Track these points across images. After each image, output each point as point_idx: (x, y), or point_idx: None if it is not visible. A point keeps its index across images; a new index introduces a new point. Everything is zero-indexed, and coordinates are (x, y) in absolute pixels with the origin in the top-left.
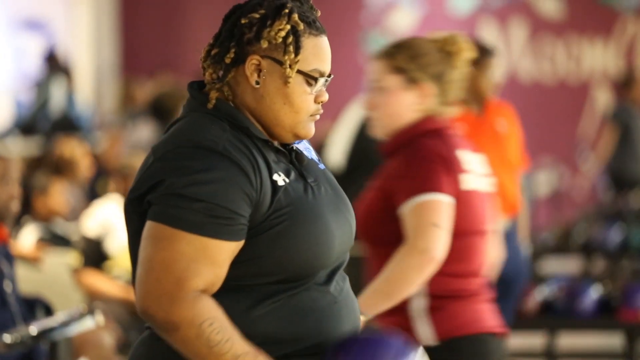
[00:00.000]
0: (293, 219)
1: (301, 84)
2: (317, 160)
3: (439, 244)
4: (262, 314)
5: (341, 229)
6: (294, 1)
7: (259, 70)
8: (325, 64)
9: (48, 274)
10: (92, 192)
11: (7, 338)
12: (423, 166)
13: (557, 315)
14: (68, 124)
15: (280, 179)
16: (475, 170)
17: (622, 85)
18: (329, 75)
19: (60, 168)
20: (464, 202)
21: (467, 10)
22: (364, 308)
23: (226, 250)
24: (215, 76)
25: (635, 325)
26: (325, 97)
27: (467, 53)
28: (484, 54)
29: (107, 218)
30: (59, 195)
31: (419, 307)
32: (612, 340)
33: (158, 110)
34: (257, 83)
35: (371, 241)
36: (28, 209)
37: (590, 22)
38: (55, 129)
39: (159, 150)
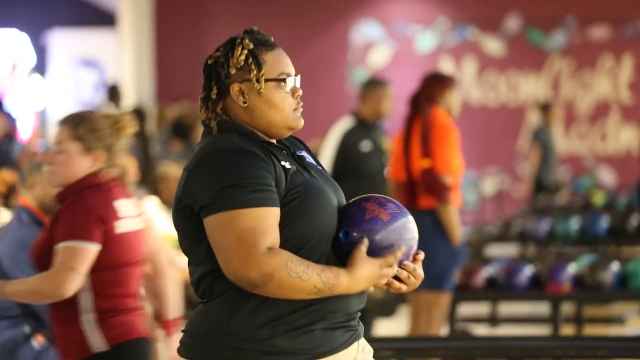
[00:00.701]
0: (305, 196)
1: (276, 89)
2: (315, 163)
3: (70, 286)
4: None
5: (335, 205)
6: (244, 33)
7: (242, 92)
8: (287, 67)
9: None
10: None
11: None
12: (78, 216)
13: (499, 288)
14: None
15: (287, 164)
16: (129, 215)
17: (541, 110)
18: (296, 75)
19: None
20: (118, 243)
21: (429, 49)
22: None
23: (274, 214)
24: (209, 114)
25: (559, 296)
26: (300, 91)
27: (131, 129)
28: (455, 82)
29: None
30: None
31: (89, 320)
32: (541, 308)
33: (178, 127)
34: (245, 102)
35: (41, 270)
36: None
37: (525, 60)
38: None
39: (189, 166)
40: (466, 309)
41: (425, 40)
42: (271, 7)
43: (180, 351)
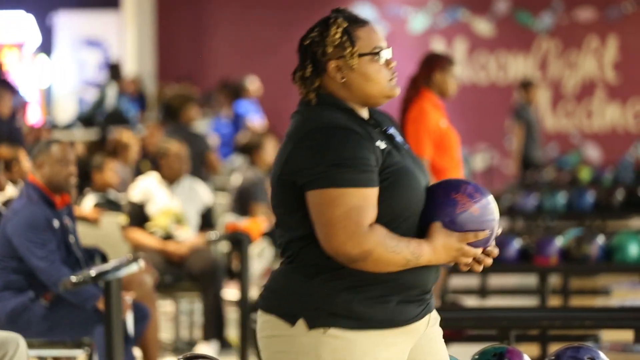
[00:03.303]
0: (396, 176)
1: (371, 63)
2: (403, 142)
3: None
4: None
5: (425, 186)
6: (334, 12)
7: (339, 69)
8: (379, 41)
9: (103, 230)
10: (137, 170)
11: (73, 278)
12: None
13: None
14: (119, 118)
15: (382, 144)
16: None
17: (522, 88)
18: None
19: (115, 151)
20: None
21: (421, 30)
22: None
23: (375, 194)
24: (306, 89)
25: (546, 269)
26: (394, 62)
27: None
28: (448, 62)
29: (148, 189)
30: (112, 171)
31: None
32: (529, 280)
33: (168, 108)
34: (343, 78)
35: None
36: (88, 182)
37: (514, 40)
38: (108, 121)
39: (294, 137)
40: (456, 281)
41: (418, 21)
42: None
43: (259, 304)
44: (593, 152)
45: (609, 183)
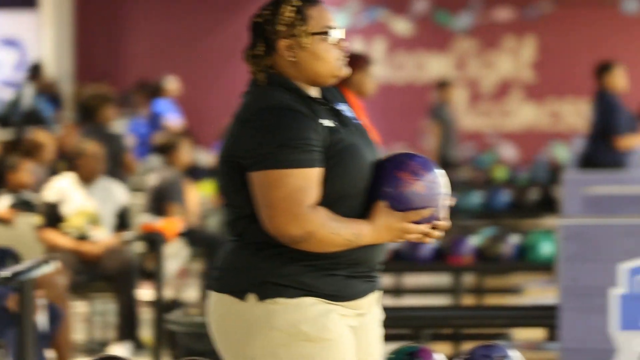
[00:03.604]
0: (342, 154)
1: (321, 42)
2: (352, 117)
3: None
4: None
5: (370, 162)
6: None
7: (290, 47)
8: (331, 20)
9: (17, 231)
10: (53, 170)
11: None
12: None
13: (403, 260)
14: (35, 118)
15: (328, 122)
16: None
17: (439, 88)
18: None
19: (30, 151)
20: None
21: None
22: None
23: (319, 174)
24: (256, 68)
25: (460, 268)
26: (344, 42)
27: None
28: (366, 62)
29: (63, 189)
30: (27, 172)
31: None
32: (443, 279)
33: (83, 108)
34: (293, 57)
35: None
36: (3, 182)
37: (432, 40)
38: (25, 121)
39: (241, 117)
40: None
41: (337, 21)
42: None
43: (211, 284)
44: (509, 152)
45: (524, 182)
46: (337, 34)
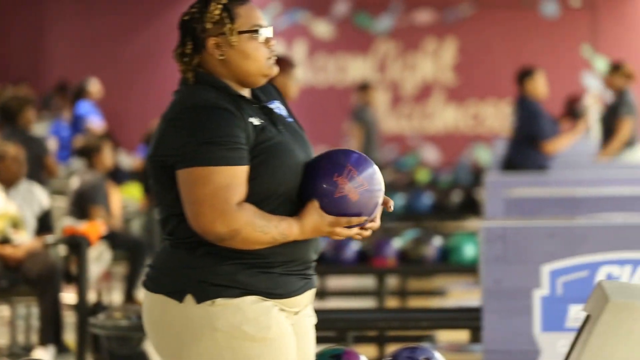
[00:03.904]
0: (269, 153)
1: (250, 40)
2: (285, 115)
3: None
4: None
5: (305, 162)
6: None
7: (218, 46)
8: (259, 19)
9: None
10: None
11: None
12: None
13: (326, 263)
14: None
15: (256, 120)
16: None
17: (360, 91)
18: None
19: None
20: None
21: None
22: None
23: (245, 172)
24: (185, 67)
25: (383, 270)
26: (273, 41)
27: None
28: (289, 65)
29: None
30: None
31: None
32: (367, 282)
33: (3, 111)
34: (221, 55)
35: None
36: None
37: (353, 42)
38: None
39: (167, 116)
40: None
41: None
42: None
43: (146, 284)
44: (431, 154)
45: (446, 184)
46: (265, 32)
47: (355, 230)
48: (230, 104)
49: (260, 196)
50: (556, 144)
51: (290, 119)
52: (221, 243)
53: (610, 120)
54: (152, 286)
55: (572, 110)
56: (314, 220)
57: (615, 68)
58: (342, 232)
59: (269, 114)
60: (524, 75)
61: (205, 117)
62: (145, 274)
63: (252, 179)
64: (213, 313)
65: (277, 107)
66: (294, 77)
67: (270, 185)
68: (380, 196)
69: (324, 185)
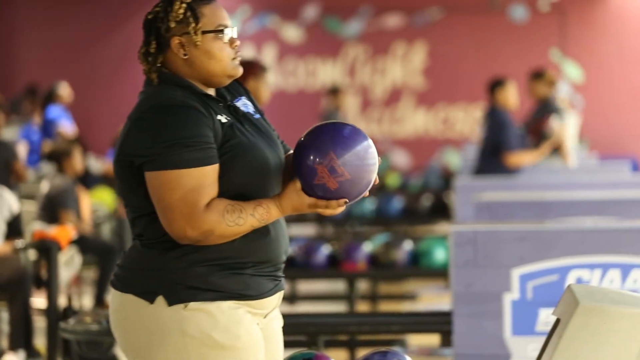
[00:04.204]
0: (236, 150)
1: (214, 40)
2: (252, 112)
3: None
4: None
5: (274, 159)
6: None
7: (182, 45)
8: (224, 19)
9: None
10: None
11: None
12: None
13: (297, 267)
14: None
15: (223, 118)
16: None
17: (330, 95)
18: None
19: None
20: None
21: None
22: None
23: (215, 171)
24: (150, 67)
25: (354, 275)
26: (237, 41)
27: None
28: (261, 69)
29: None
30: None
31: None
32: (338, 286)
33: None
34: (185, 55)
35: None
36: None
37: (323, 47)
38: None
39: (133, 117)
40: None
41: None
42: None
43: (115, 284)
44: (401, 158)
45: (416, 189)
46: (230, 32)
47: (335, 206)
48: (196, 102)
49: (230, 193)
50: (519, 157)
51: (257, 115)
52: (199, 244)
53: (533, 127)
54: (122, 286)
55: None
56: (292, 201)
57: (538, 75)
58: (323, 211)
59: (235, 112)
60: (495, 84)
61: (172, 117)
62: (114, 274)
63: (220, 177)
64: (184, 317)
65: (243, 104)
66: (265, 81)
67: (238, 182)
68: (371, 171)
69: (304, 168)
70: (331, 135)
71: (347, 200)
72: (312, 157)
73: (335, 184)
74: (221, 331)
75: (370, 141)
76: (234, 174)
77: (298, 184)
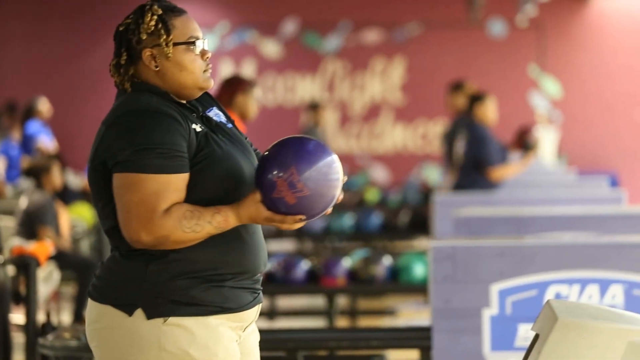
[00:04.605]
0: (209, 160)
1: (185, 52)
2: (225, 122)
3: None
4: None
5: (247, 168)
6: (153, 0)
7: (153, 57)
8: (195, 31)
9: None
10: None
11: None
12: None
13: (276, 283)
14: None
15: (198, 127)
16: None
17: (310, 110)
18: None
19: None
20: None
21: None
22: None
23: (182, 180)
24: (121, 78)
25: (333, 290)
26: (208, 53)
27: None
28: (250, 85)
29: None
30: None
31: None
32: (317, 301)
33: None
34: (156, 67)
35: None
36: None
37: (302, 62)
38: None
39: (107, 121)
40: None
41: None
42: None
43: (92, 295)
44: (380, 174)
45: (395, 204)
46: (201, 44)
47: (292, 222)
48: (173, 110)
49: (204, 202)
50: (503, 171)
51: (229, 125)
52: (153, 248)
53: (452, 141)
54: (100, 297)
55: (523, 142)
56: (250, 212)
57: (457, 87)
58: (279, 225)
59: (209, 122)
60: (475, 99)
61: (146, 122)
62: (91, 284)
63: (194, 186)
64: (162, 332)
65: (215, 114)
66: (253, 97)
67: (213, 192)
68: (334, 187)
69: (264, 181)
70: (295, 149)
71: (304, 217)
72: (273, 170)
73: (294, 199)
74: (199, 348)
75: (334, 157)
76: (208, 182)
77: (257, 196)
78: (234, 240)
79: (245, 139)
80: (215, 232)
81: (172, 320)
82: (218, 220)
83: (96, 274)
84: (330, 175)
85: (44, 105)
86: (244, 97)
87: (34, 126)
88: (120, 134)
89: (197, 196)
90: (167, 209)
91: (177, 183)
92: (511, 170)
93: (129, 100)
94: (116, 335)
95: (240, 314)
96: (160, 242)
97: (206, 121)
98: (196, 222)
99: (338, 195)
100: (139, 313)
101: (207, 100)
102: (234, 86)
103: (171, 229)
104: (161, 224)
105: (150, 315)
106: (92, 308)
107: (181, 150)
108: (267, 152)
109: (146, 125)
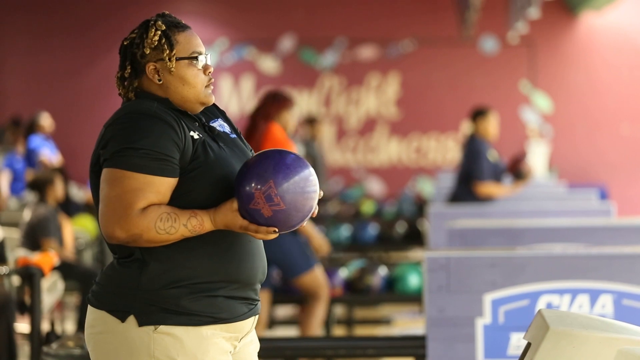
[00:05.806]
0: (205, 167)
1: (188, 67)
2: (228, 132)
3: None
4: (189, 247)
5: None
6: (157, 16)
7: (157, 71)
8: (198, 46)
9: None
10: None
11: None
12: None
13: (275, 292)
14: None
15: (196, 134)
16: None
17: (307, 124)
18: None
19: None
20: None
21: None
22: None
23: (165, 184)
24: (125, 90)
25: (331, 299)
26: (211, 68)
27: None
28: (293, 104)
29: None
30: None
31: None
32: None
33: None
34: (160, 80)
35: None
36: None
37: (299, 77)
38: None
39: (108, 122)
40: None
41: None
42: (66, 22)
43: (90, 300)
44: (375, 186)
45: (390, 216)
46: (204, 59)
47: (265, 233)
48: (171, 116)
49: (198, 208)
50: (490, 188)
51: (233, 135)
52: (126, 245)
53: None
54: (96, 302)
55: (516, 170)
56: (226, 219)
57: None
58: (253, 235)
59: (211, 131)
60: (477, 114)
61: (141, 123)
62: (90, 290)
63: (189, 191)
64: (153, 339)
65: (220, 124)
66: (293, 114)
67: (203, 199)
68: (310, 198)
69: (242, 191)
70: (274, 163)
71: (277, 230)
72: (251, 182)
73: (270, 212)
74: (187, 357)
75: (310, 170)
76: (203, 189)
77: (235, 204)
78: (229, 250)
79: (250, 150)
80: (189, 235)
81: (163, 328)
82: (193, 224)
83: (95, 280)
84: (307, 188)
85: (45, 120)
86: (288, 113)
87: (36, 140)
88: (116, 133)
89: (192, 200)
90: (144, 208)
91: (159, 185)
92: (499, 191)
93: (131, 104)
94: (109, 340)
95: (234, 325)
96: (133, 240)
97: (208, 130)
98: (171, 225)
99: (314, 209)
100: (131, 320)
101: (212, 112)
102: (282, 102)
103: (145, 228)
104: (135, 222)
105: (142, 322)
106: (89, 313)
107: (169, 155)
108: (248, 163)
109: (139, 126)
